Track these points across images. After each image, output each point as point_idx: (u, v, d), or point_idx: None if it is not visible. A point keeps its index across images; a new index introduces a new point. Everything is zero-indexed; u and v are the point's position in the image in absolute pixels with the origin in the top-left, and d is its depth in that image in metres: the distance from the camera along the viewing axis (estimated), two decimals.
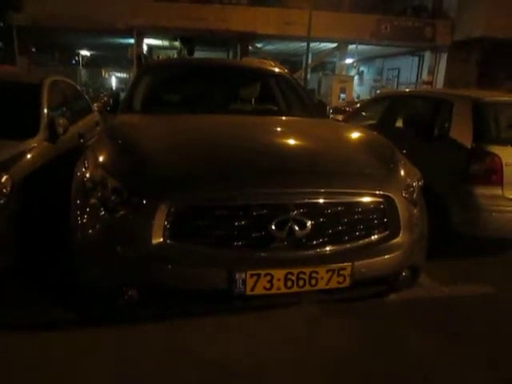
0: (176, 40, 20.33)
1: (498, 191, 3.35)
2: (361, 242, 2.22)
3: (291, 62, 24.76)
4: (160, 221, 2.00)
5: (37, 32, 18.01)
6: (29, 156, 3.07)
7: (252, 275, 2.01)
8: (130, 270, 2.04)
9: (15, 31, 17.93)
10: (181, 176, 2.13)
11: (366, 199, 2.25)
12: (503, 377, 2.24)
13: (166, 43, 22.00)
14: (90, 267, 2.14)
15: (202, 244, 2.04)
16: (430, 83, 20.50)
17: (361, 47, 20.33)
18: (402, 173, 2.50)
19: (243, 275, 2.00)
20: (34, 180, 2.91)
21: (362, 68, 26.28)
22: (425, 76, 21.20)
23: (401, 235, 2.29)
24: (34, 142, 3.23)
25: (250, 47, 20.72)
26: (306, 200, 2.13)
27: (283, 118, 3.38)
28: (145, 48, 20.86)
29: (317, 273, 2.08)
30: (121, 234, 2.05)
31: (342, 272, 2.10)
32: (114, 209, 2.08)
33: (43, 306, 2.57)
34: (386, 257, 2.22)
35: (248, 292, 2.03)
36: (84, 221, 2.16)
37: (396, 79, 23.85)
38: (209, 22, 18.29)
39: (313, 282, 2.07)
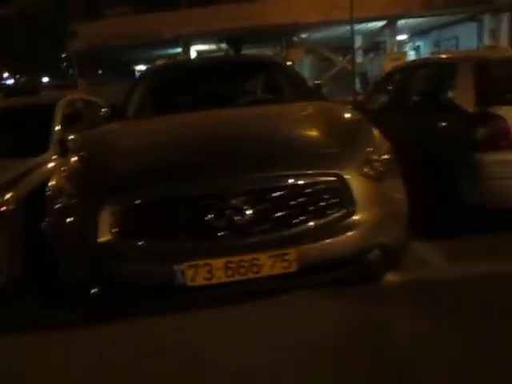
0: (222, 42, 20.65)
1: (510, 156, 3.07)
2: (307, 224, 2.14)
3: (343, 47, 24.14)
4: (104, 221, 2.11)
5: (93, 55, 19.21)
6: (37, 171, 3.32)
7: (191, 266, 2.04)
8: (85, 268, 2.19)
9: (73, 57, 19.31)
10: (120, 178, 2.25)
11: (311, 179, 2.17)
12: None
13: (213, 47, 22.41)
14: (60, 267, 2.32)
15: (143, 239, 2.11)
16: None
17: (412, 21, 19.34)
18: (362, 147, 2.38)
19: (182, 267, 2.04)
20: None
21: (417, 43, 24.96)
22: (486, 42, 19.67)
23: (358, 214, 2.17)
24: (43, 158, 3.49)
25: (295, 39, 20.53)
26: (245, 187, 2.11)
27: (260, 107, 3.31)
28: (194, 54, 21.41)
29: (258, 259, 2.05)
30: (74, 236, 2.22)
31: (285, 257, 2.06)
32: (70, 213, 2.24)
33: (47, 310, 2.76)
34: (340, 238, 2.13)
35: (189, 283, 2.06)
36: (50, 225, 2.36)
37: (455, 49, 22.37)
38: (252, 19, 18.40)
39: (255, 269, 2.05)
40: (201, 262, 2.04)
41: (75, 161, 2.55)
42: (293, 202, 2.14)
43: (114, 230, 2.12)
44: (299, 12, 18.14)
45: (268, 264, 2.06)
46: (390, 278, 2.86)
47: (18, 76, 21.24)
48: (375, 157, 2.35)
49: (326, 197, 2.18)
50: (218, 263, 2.04)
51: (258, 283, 2.12)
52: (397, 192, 2.40)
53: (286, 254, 2.07)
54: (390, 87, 4.79)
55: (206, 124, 2.87)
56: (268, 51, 23.40)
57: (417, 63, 4.51)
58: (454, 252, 3.22)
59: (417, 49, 24.78)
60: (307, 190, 2.16)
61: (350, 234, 2.15)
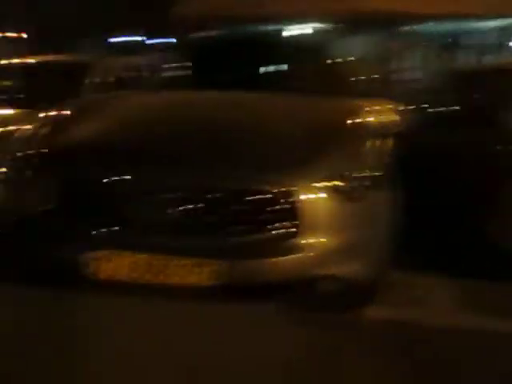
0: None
1: None
2: (242, 237, 1.88)
3: (460, 44, 22.20)
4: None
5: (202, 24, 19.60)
6: None
7: (96, 258, 1.89)
8: None
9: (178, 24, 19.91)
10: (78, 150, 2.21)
11: (254, 187, 1.92)
12: None
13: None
14: None
15: (65, 218, 2.01)
16: None
17: None
18: (336, 159, 2.03)
19: (89, 256, 1.90)
20: None
21: None
22: None
23: (306, 235, 1.85)
24: None
25: (404, 28, 19.26)
26: (182, 183, 1.96)
27: (283, 97, 2.81)
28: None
29: (175, 264, 1.86)
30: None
31: (206, 268, 1.84)
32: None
33: None
34: (278, 259, 1.83)
35: (97, 275, 1.90)
36: None
37: None
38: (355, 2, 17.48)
39: (169, 272, 1.86)
40: (108, 253, 1.90)
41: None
42: (230, 209, 1.91)
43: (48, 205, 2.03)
44: (412, 2, 16.89)
45: (184, 271, 1.85)
46: (368, 312, 2.49)
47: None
48: (354, 172, 1.98)
49: (267, 210, 1.89)
50: (126, 259, 1.88)
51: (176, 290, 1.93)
52: (376, 217, 2.01)
53: (209, 264, 1.85)
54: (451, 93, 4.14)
55: (206, 109, 2.63)
56: (368, 41, 22.26)
57: (483, 69, 3.79)
58: (468, 298, 2.72)
59: None
60: (248, 199, 1.89)
61: (287, 257, 1.84)
